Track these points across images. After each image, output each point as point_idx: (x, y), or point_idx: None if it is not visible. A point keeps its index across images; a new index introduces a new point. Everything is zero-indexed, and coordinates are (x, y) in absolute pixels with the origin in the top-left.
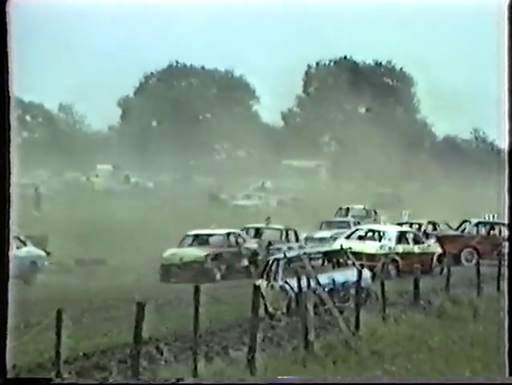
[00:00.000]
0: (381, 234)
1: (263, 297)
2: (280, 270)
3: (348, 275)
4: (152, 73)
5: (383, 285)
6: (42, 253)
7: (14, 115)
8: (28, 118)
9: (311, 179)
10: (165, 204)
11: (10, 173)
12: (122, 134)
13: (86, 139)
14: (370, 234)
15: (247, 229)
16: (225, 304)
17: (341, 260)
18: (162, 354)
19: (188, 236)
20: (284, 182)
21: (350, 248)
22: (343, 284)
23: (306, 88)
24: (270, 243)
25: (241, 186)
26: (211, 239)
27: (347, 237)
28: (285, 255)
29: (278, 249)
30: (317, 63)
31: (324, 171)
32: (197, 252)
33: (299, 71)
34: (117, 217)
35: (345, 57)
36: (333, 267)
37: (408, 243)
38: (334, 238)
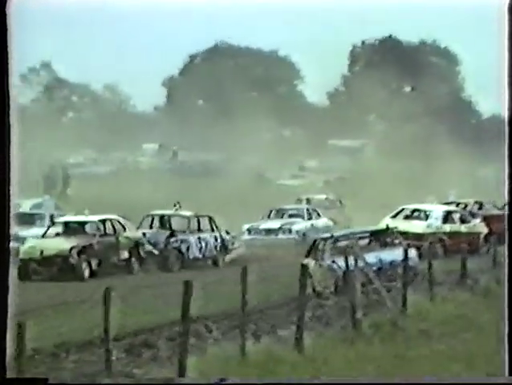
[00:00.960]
0: (427, 214)
1: (311, 277)
2: (327, 249)
3: (395, 254)
4: (196, 53)
5: (430, 264)
6: None
7: (60, 95)
8: (74, 98)
9: (357, 158)
10: (212, 184)
11: (9, 169)
12: (168, 113)
13: (132, 119)
14: (416, 214)
15: (152, 217)
16: (273, 283)
17: (388, 239)
18: (211, 332)
19: (56, 223)
20: (330, 161)
21: (396, 227)
22: (391, 263)
23: (352, 67)
24: (171, 233)
25: (286, 165)
26: (87, 227)
27: (393, 217)
28: (332, 235)
29: (183, 241)
30: (362, 42)
31: (370, 150)
32: (61, 244)
33: (344, 50)
34: (163, 196)
35: (390, 36)
36: (380, 246)
37: (455, 222)
38: (283, 229)
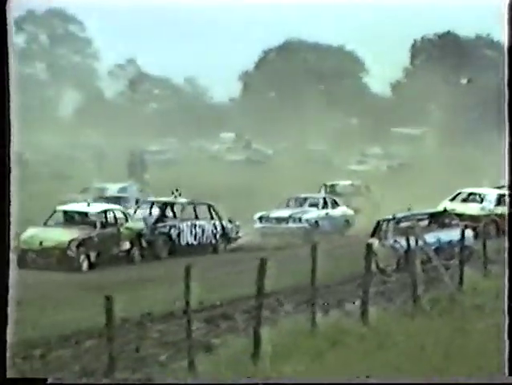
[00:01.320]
0: (482, 197)
1: (375, 255)
2: (390, 230)
3: (452, 235)
4: (270, 49)
5: (484, 243)
6: None
7: (143, 88)
8: (156, 91)
9: (418, 145)
10: (283, 170)
11: (10, 166)
12: (243, 105)
13: (209, 110)
14: (472, 197)
15: (152, 203)
16: (340, 260)
17: (446, 221)
18: (282, 305)
19: (57, 212)
20: (393, 148)
21: (453, 209)
22: (448, 243)
23: (413, 60)
24: (158, 220)
25: (352, 152)
26: (89, 216)
27: (451, 200)
28: (394, 216)
29: (173, 227)
30: (422, 37)
31: (430, 137)
32: (61, 235)
33: (406, 45)
34: (239, 182)
35: (448, 31)
36: (438, 227)
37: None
38: (293, 218)
